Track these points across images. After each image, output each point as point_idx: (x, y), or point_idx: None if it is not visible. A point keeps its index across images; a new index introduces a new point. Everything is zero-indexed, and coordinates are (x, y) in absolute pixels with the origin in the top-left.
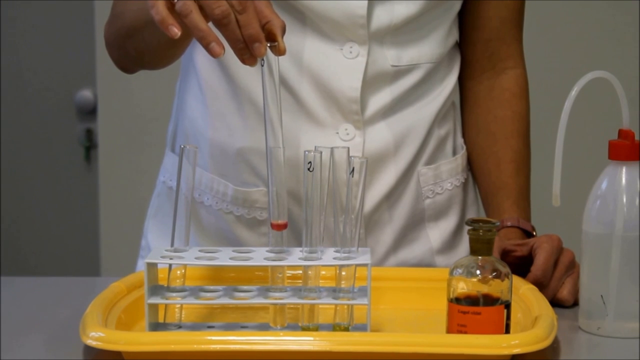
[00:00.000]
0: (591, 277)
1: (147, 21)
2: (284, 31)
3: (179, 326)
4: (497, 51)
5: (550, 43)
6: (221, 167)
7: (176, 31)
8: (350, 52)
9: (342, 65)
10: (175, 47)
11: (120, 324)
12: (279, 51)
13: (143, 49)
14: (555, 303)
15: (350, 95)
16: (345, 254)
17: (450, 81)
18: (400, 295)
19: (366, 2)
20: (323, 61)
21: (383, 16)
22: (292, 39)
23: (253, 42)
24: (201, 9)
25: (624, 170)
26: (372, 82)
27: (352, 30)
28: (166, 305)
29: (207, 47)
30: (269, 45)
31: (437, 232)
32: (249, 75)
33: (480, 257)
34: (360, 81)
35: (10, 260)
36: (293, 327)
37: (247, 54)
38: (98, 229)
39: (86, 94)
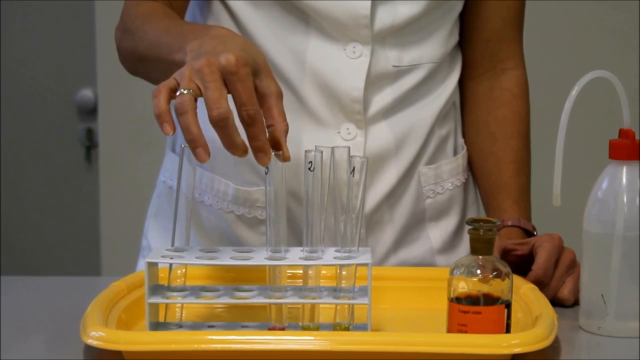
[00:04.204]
0: (592, 276)
1: (159, 58)
2: (286, 134)
3: (180, 326)
4: (497, 52)
5: (550, 43)
6: (222, 167)
7: (168, 130)
8: (354, 52)
9: (345, 65)
10: None
11: (121, 323)
12: (284, 159)
13: (152, 76)
14: (556, 302)
15: (354, 95)
16: (346, 254)
17: (451, 81)
18: (401, 294)
19: (369, 2)
20: (326, 61)
21: (386, 16)
22: (296, 38)
23: (258, 152)
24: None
25: (624, 169)
26: (374, 82)
27: (355, 30)
28: (167, 304)
29: (193, 151)
30: (273, 153)
31: (437, 232)
32: None
33: (480, 257)
34: (363, 81)
35: (10, 260)
36: (293, 326)
37: (240, 155)
38: (98, 229)
39: (87, 93)
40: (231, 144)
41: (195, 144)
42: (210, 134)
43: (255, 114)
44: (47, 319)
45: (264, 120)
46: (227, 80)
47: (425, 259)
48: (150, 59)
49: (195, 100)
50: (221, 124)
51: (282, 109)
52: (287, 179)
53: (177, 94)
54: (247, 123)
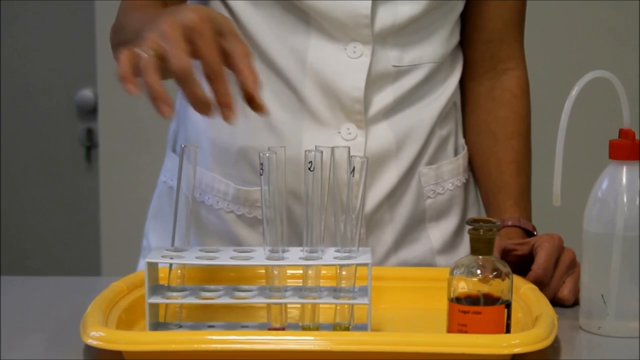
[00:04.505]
0: (592, 276)
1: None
2: (258, 87)
3: (180, 326)
4: (498, 52)
5: (550, 43)
6: (223, 167)
7: (131, 89)
8: (354, 52)
9: (346, 65)
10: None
11: (121, 323)
12: (259, 110)
13: None
14: (556, 302)
15: (354, 95)
16: (346, 254)
17: (452, 81)
18: (401, 294)
19: (370, 2)
20: (327, 61)
21: (386, 16)
22: (296, 38)
23: (222, 107)
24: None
25: (624, 169)
26: (374, 81)
27: (355, 30)
28: (167, 304)
29: (155, 106)
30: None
31: (437, 232)
32: None
33: (480, 257)
34: (363, 81)
35: (10, 260)
36: (293, 326)
37: (206, 112)
38: (98, 229)
39: (87, 93)
40: (194, 99)
41: (157, 100)
42: (210, 133)
43: (217, 69)
44: (47, 319)
45: (236, 80)
46: (190, 38)
47: (425, 259)
48: (133, 44)
49: (159, 60)
50: (182, 77)
51: (252, 65)
52: (287, 178)
53: (139, 53)
54: (210, 78)
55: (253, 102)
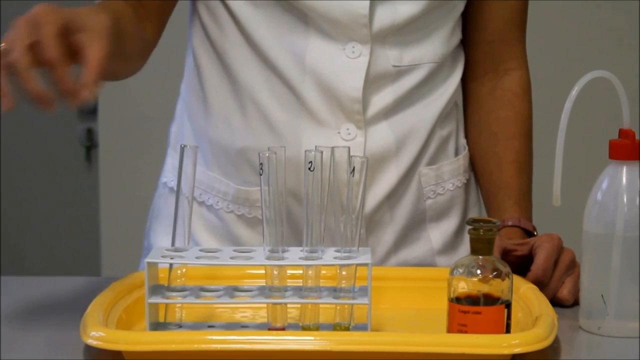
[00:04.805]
0: (592, 277)
1: None
2: (95, 80)
3: (180, 326)
4: (500, 52)
5: (550, 43)
6: (223, 167)
7: None
8: (353, 52)
9: (345, 65)
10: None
11: (121, 323)
12: (85, 99)
13: None
14: (556, 302)
15: (353, 95)
16: (346, 254)
17: (453, 81)
18: (401, 295)
19: (368, 1)
20: (325, 61)
21: (385, 16)
22: (295, 38)
23: (62, 95)
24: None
25: (624, 170)
26: (374, 81)
27: (354, 29)
28: (167, 304)
29: None
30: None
31: (438, 233)
32: (251, 75)
33: (480, 257)
34: (362, 81)
35: (10, 260)
36: (293, 326)
37: (43, 105)
38: (99, 229)
39: None
40: (29, 92)
41: None
42: (210, 133)
43: (52, 58)
44: (47, 319)
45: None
46: (34, 31)
47: (425, 260)
48: None
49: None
50: (17, 70)
51: (99, 60)
52: (287, 179)
53: None
54: (48, 67)
55: (84, 91)
